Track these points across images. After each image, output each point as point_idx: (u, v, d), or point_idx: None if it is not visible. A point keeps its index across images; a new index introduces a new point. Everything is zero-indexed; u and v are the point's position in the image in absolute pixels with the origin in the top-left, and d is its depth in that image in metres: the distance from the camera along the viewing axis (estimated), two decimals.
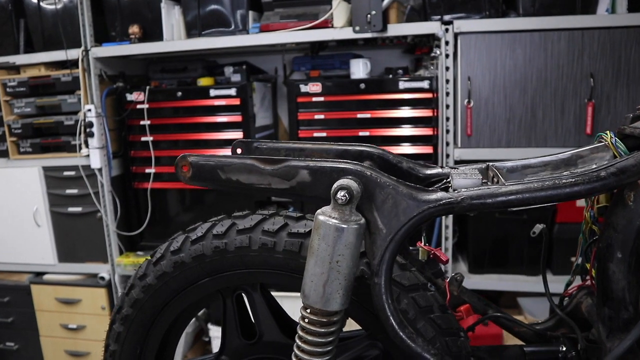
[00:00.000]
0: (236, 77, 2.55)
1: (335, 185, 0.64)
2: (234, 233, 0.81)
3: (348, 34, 2.12)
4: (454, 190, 0.68)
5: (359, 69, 2.25)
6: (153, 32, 2.40)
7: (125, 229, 2.63)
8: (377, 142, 2.26)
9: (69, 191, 2.59)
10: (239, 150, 0.94)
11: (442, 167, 0.87)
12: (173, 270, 0.84)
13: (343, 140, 2.31)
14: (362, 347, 0.84)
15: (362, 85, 2.19)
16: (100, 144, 2.47)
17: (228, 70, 2.58)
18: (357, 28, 2.10)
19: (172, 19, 2.38)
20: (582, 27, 1.99)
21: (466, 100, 2.11)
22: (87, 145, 2.47)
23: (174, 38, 2.37)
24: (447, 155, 2.16)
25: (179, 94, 2.46)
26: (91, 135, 2.44)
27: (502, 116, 2.11)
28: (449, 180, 0.79)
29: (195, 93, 2.46)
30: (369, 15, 2.07)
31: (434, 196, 0.66)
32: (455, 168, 0.84)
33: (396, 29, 2.12)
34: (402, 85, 2.18)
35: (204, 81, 2.54)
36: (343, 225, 0.64)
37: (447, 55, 2.12)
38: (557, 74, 2.05)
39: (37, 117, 2.56)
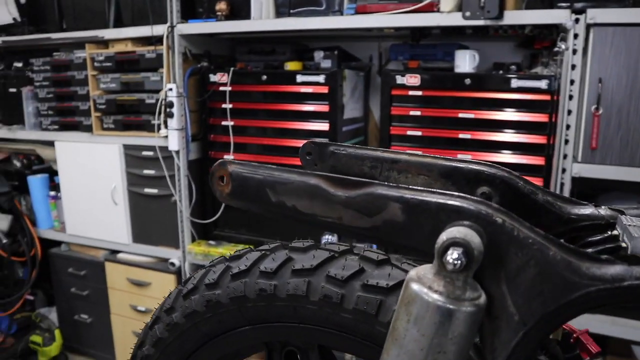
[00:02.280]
0: (326, 63, 2.32)
1: (443, 238, 0.39)
2: (287, 273, 0.58)
3: (456, 20, 1.82)
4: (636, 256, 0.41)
5: (466, 61, 1.94)
6: (241, 10, 2.23)
7: (199, 216, 2.51)
8: (478, 146, 1.95)
9: (146, 171, 2.51)
10: (308, 157, 0.71)
11: (596, 205, 0.59)
12: (205, 310, 0.63)
13: (439, 143, 2.03)
14: None
15: (468, 81, 1.88)
16: (179, 126, 2.35)
17: (318, 55, 2.36)
18: (468, 14, 1.79)
19: None
20: None
21: (594, 107, 1.74)
22: (166, 126, 2.36)
23: (262, 17, 2.19)
24: (563, 170, 1.81)
25: (264, 77, 2.27)
26: (171, 115, 2.33)
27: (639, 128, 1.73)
28: (614, 231, 0.51)
29: (281, 77, 2.27)
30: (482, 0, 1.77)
31: (610, 271, 0.39)
32: (620, 211, 0.55)
33: (514, 17, 1.79)
34: (515, 83, 1.84)
35: (291, 65, 2.34)
36: (451, 307, 0.39)
37: (574, 51, 1.76)
38: None
39: (120, 93, 2.49)
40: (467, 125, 1.94)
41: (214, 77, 2.36)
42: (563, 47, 1.79)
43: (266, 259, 0.61)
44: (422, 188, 0.44)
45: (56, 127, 2.70)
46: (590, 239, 0.54)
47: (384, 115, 2.09)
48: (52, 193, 2.81)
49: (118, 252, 2.69)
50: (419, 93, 2.00)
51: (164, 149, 2.39)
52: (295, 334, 0.61)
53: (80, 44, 2.54)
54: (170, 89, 2.31)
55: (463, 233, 0.39)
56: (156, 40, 2.33)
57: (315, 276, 0.57)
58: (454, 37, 2.30)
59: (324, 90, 2.18)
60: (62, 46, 2.75)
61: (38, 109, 2.75)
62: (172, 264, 2.52)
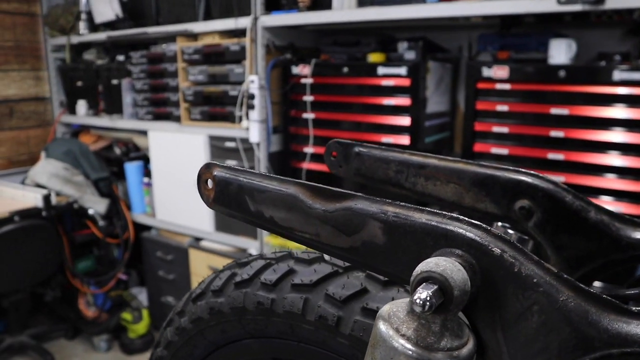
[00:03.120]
0: (410, 55, 2.21)
1: (417, 270, 0.32)
2: (287, 287, 0.53)
3: (551, 5, 1.63)
4: None
5: (561, 51, 1.75)
6: (323, 0, 2.19)
7: None
8: (573, 146, 1.75)
9: (229, 162, 2.56)
10: (333, 158, 0.65)
11: None
12: (209, 317, 0.59)
13: (530, 141, 1.85)
14: None
15: (562, 73, 1.69)
16: (260, 117, 2.36)
17: (402, 46, 2.26)
18: None
19: None
20: None
21: None
22: (247, 118, 2.39)
23: (344, 7, 2.13)
24: None
25: (345, 69, 2.22)
26: (252, 107, 2.35)
27: None
28: None
29: (361, 69, 2.20)
30: None
31: None
32: None
33: (618, 0, 1.58)
34: (618, 75, 1.62)
35: (373, 57, 2.26)
36: (419, 357, 0.31)
37: None
38: None
39: (207, 85, 2.56)
40: (561, 123, 1.75)
41: (295, 69, 2.34)
42: None
43: (269, 269, 0.56)
44: (409, 205, 0.36)
45: (150, 117, 2.83)
46: None
47: (468, 110, 1.95)
48: (146, 180, 2.96)
49: (201, 239, 2.78)
50: (507, 86, 1.84)
51: (245, 140, 2.42)
52: (296, 353, 0.55)
53: (172, 37, 2.64)
54: (252, 81, 2.32)
55: (443, 265, 0.31)
56: (240, 32, 2.36)
57: (314, 293, 0.51)
58: (552, 25, 2.09)
59: (406, 83, 2.08)
60: (158, 40, 2.88)
61: (135, 99, 2.91)
62: (250, 255, 2.55)
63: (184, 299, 0.65)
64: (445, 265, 0.31)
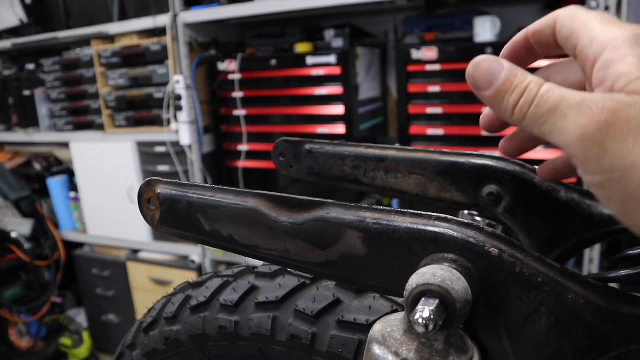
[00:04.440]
0: (338, 42, 2.19)
1: (412, 284, 0.28)
2: (250, 306, 0.48)
3: None
4: None
5: (486, 29, 1.78)
6: None
7: None
8: None
9: (160, 168, 2.44)
10: (282, 158, 0.60)
11: None
12: (165, 348, 0.53)
13: (464, 120, 1.88)
14: None
15: (489, 50, 1.72)
16: (190, 119, 2.26)
17: (329, 34, 2.22)
18: None
19: None
20: None
21: None
22: (176, 120, 2.28)
23: None
24: None
25: (273, 62, 2.16)
26: (180, 108, 2.25)
27: None
28: None
29: (290, 61, 2.14)
30: None
31: None
32: None
33: None
34: None
35: (301, 47, 2.22)
36: None
37: (606, 8, 1.59)
38: None
39: (130, 89, 2.42)
40: None
41: (222, 66, 2.26)
42: (594, 4, 1.62)
43: (227, 289, 0.50)
44: (388, 209, 0.32)
45: (70, 127, 2.65)
46: (632, 251, 0.41)
47: (401, 94, 1.96)
48: (73, 194, 2.78)
49: (139, 251, 2.65)
50: (438, 67, 1.85)
51: (176, 143, 2.32)
52: None
53: (87, 41, 2.48)
54: (178, 81, 2.22)
55: (441, 275, 0.27)
56: (160, 31, 2.24)
57: (282, 310, 0.46)
58: (474, 3, 2.13)
59: (336, 71, 2.05)
60: (71, 44, 2.70)
61: (51, 110, 2.71)
62: (193, 262, 2.46)
63: (134, 329, 0.59)
64: (442, 275, 0.28)
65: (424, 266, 0.30)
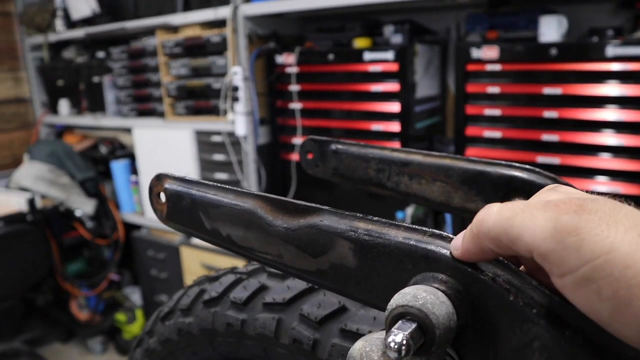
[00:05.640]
0: (397, 38, 2.14)
1: (392, 303, 0.26)
2: (258, 306, 0.47)
3: None
4: None
5: (551, 28, 1.69)
6: None
7: None
8: (568, 126, 1.70)
9: (216, 157, 2.50)
10: (308, 157, 0.59)
11: None
12: (178, 339, 0.54)
13: (523, 123, 1.79)
14: None
15: (553, 51, 1.63)
16: (246, 110, 2.30)
17: (388, 30, 2.18)
18: None
19: None
20: None
21: None
22: (233, 110, 2.32)
23: None
24: None
25: (331, 56, 2.15)
26: (237, 99, 2.28)
27: None
28: None
29: (347, 56, 2.13)
30: None
31: None
32: None
33: None
34: (611, 51, 1.56)
35: (359, 42, 2.19)
36: None
37: None
38: None
39: (190, 78, 2.49)
40: (554, 102, 1.70)
41: (279, 59, 2.28)
42: None
43: (239, 286, 0.50)
44: (383, 221, 0.30)
45: (133, 113, 2.76)
46: None
47: (459, 94, 1.90)
48: (133, 178, 2.90)
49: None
50: (498, 67, 1.78)
51: (232, 134, 2.36)
52: None
53: (152, 31, 2.56)
54: (236, 73, 2.25)
55: (423, 298, 0.26)
56: (221, 23, 2.28)
57: (287, 313, 0.45)
58: (541, 1, 2.02)
59: (394, 67, 2.02)
60: (138, 34, 2.79)
61: (117, 96, 2.83)
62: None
63: (153, 317, 0.60)
64: (425, 297, 0.26)
65: (413, 284, 0.28)
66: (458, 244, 0.28)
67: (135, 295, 3.02)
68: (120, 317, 2.88)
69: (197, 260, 2.68)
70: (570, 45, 1.64)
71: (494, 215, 0.26)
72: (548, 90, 1.68)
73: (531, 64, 1.70)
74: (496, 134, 1.84)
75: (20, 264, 2.54)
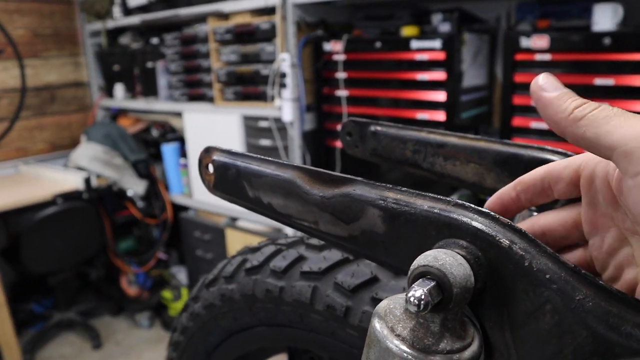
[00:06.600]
0: (444, 27, 2.13)
1: (415, 264, 0.29)
2: (295, 274, 0.51)
3: None
4: None
5: (606, 17, 1.64)
6: None
7: None
8: None
9: (262, 142, 2.55)
10: (348, 137, 0.62)
11: None
12: (221, 304, 0.58)
13: None
14: None
15: (607, 40, 1.59)
16: (293, 96, 2.34)
17: (436, 18, 2.17)
18: None
19: None
20: None
21: None
22: (280, 97, 2.36)
23: None
24: None
25: (378, 44, 2.16)
26: (284, 85, 2.32)
27: None
28: None
29: (394, 44, 2.13)
30: None
31: None
32: None
33: None
34: None
35: (407, 30, 2.19)
36: None
37: None
38: None
39: (239, 64, 2.54)
40: (606, 94, 1.65)
41: (327, 46, 2.30)
42: None
43: (279, 256, 0.54)
44: (411, 191, 0.33)
45: (184, 98, 2.85)
46: None
47: (506, 84, 1.87)
48: (183, 161, 3.00)
49: (237, 219, 2.80)
50: (548, 57, 1.74)
51: (279, 119, 2.41)
52: (307, 342, 0.53)
53: (203, 18, 2.63)
54: (284, 59, 2.29)
55: (442, 260, 0.28)
56: (271, 10, 2.32)
57: (323, 282, 0.48)
58: None
59: (441, 56, 2.01)
60: (191, 21, 2.88)
61: (169, 81, 2.93)
62: (286, 235, 2.55)
63: (199, 284, 0.64)
64: (444, 258, 0.28)
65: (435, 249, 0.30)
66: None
67: (181, 274, 3.13)
68: (167, 294, 3.00)
69: (241, 242, 2.75)
70: (626, 35, 1.59)
71: (595, 111, 0.29)
72: (599, 81, 1.64)
73: (583, 54, 1.66)
74: (543, 125, 1.81)
75: (76, 239, 2.68)
